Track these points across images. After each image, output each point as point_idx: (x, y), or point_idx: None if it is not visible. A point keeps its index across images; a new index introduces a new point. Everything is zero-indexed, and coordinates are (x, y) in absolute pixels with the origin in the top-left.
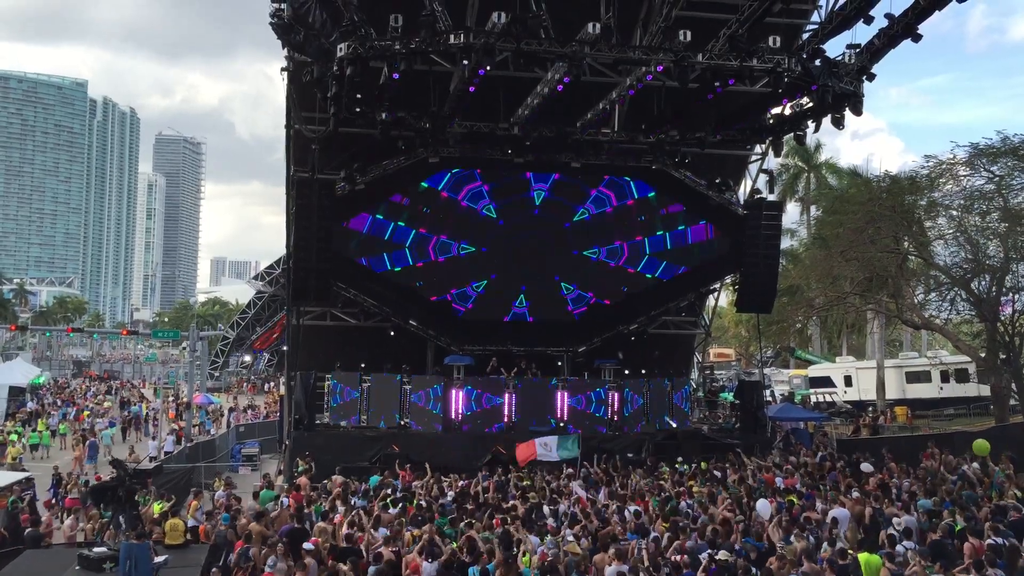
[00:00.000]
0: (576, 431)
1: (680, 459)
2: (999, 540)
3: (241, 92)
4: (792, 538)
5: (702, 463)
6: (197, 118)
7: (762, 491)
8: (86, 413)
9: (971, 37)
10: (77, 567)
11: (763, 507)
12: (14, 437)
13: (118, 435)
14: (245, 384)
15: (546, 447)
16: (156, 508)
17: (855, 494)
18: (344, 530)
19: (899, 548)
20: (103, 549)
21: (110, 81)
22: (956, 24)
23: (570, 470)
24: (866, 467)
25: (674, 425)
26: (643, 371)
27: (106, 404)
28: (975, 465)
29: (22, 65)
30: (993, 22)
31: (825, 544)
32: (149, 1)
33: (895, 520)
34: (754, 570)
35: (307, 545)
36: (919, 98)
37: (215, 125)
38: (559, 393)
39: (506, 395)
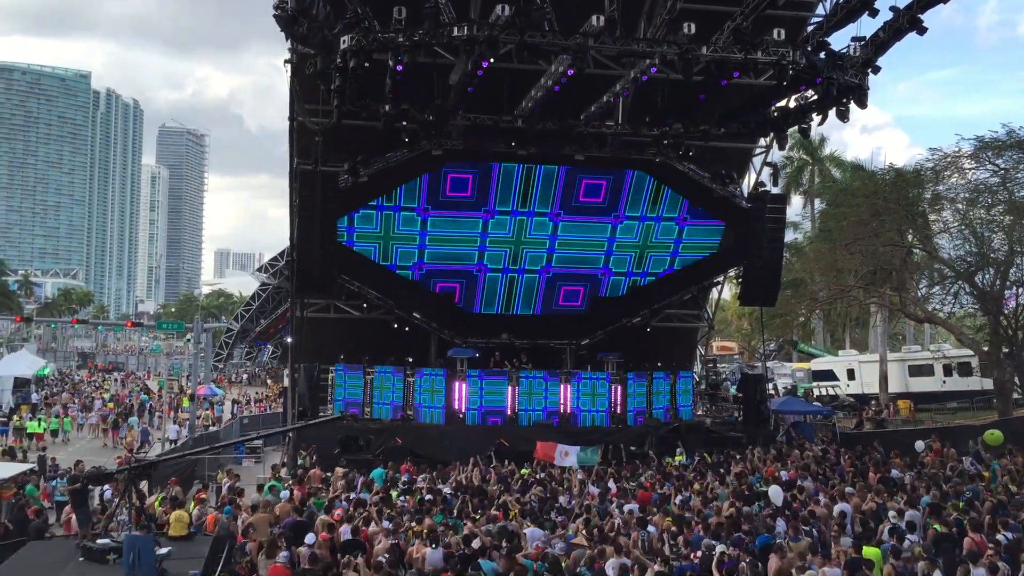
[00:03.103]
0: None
1: (680, 450)
2: (1005, 536)
3: (250, 84)
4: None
5: (707, 455)
6: (206, 111)
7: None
8: (111, 404)
9: (981, 31)
10: (80, 559)
11: (775, 493)
12: (31, 424)
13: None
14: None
15: (565, 455)
16: (156, 501)
17: (848, 489)
18: (347, 524)
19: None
20: (106, 541)
21: (121, 74)
22: (967, 19)
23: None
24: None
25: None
26: (646, 364)
27: (104, 395)
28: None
29: (34, 58)
30: (1005, 16)
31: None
32: None
33: (891, 514)
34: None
35: (308, 538)
36: (928, 92)
37: (224, 118)
38: (562, 386)
39: (509, 388)
